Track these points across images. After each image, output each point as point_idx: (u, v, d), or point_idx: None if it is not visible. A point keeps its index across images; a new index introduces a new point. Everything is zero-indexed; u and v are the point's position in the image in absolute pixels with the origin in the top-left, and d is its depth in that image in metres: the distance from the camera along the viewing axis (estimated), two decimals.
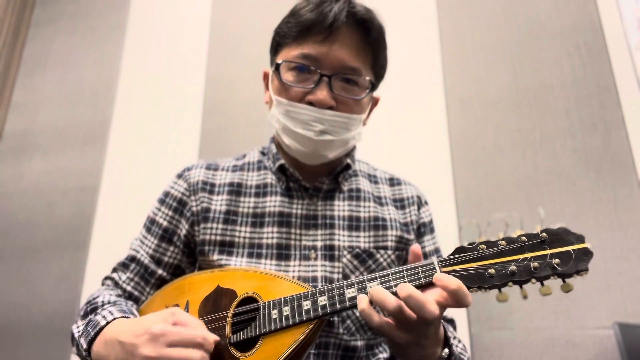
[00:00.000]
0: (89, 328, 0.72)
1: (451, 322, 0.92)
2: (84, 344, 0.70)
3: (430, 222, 0.97)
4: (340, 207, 0.89)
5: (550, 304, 1.47)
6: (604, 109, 1.61)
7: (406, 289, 0.59)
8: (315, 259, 0.83)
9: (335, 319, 0.81)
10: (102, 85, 2.25)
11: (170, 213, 0.90)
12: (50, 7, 2.53)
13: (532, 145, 1.65)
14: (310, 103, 0.82)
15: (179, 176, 0.94)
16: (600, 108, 1.62)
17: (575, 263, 0.59)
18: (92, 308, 0.77)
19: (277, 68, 0.85)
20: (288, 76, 0.84)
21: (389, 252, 0.87)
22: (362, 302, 0.61)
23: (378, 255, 0.86)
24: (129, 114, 2.17)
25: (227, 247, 0.85)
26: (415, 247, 0.69)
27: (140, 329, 0.63)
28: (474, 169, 1.68)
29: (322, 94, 0.81)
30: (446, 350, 0.68)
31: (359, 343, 0.82)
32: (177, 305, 0.78)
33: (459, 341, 0.84)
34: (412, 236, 0.92)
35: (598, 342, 1.40)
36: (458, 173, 1.69)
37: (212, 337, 0.64)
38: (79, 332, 0.74)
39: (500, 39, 1.81)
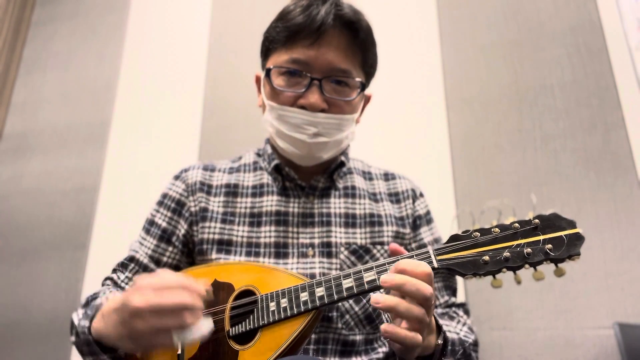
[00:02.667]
0: (88, 311, 0.73)
1: (462, 306, 0.92)
2: (85, 323, 0.71)
3: (427, 213, 0.98)
4: (336, 205, 0.90)
5: (550, 304, 1.47)
6: (604, 109, 1.61)
7: (392, 278, 0.60)
8: (313, 256, 0.84)
9: (334, 313, 0.81)
10: (102, 85, 2.25)
11: (168, 214, 0.91)
12: (50, 7, 2.53)
13: (532, 145, 1.65)
14: (303, 107, 0.83)
15: (177, 177, 0.95)
16: (600, 108, 1.62)
17: (567, 248, 0.60)
18: (93, 297, 0.79)
19: (267, 74, 0.86)
20: (279, 81, 0.85)
21: (386, 247, 0.88)
22: (389, 327, 0.60)
23: (375, 251, 0.87)
24: (129, 114, 2.17)
25: (225, 245, 0.86)
26: (392, 245, 0.70)
27: (128, 290, 0.63)
28: (474, 169, 1.68)
29: (313, 97, 0.82)
30: (441, 337, 0.69)
31: (358, 337, 0.82)
32: None
33: (464, 324, 0.85)
34: (408, 230, 0.92)
35: (598, 342, 1.40)
36: (458, 173, 1.69)
37: (201, 283, 0.63)
38: (79, 317, 0.75)
39: (500, 39, 1.81)
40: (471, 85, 1.79)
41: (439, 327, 0.71)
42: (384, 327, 0.60)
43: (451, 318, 0.86)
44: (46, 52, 2.43)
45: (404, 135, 1.80)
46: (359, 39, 0.85)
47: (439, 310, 0.89)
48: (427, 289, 0.60)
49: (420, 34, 1.92)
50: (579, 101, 1.65)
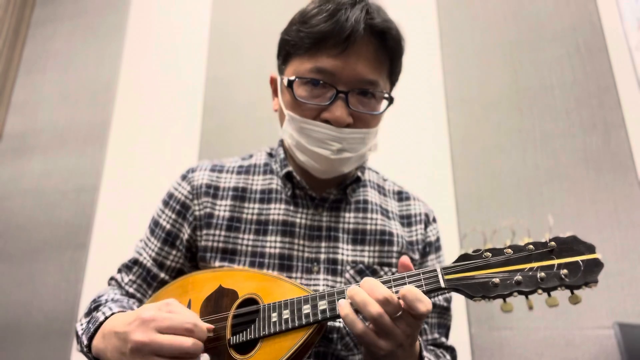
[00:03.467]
0: (90, 325, 0.72)
1: (451, 350, 0.89)
2: (84, 340, 0.71)
3: (437, 240, 0.94)
4: (346, 219, 0.87)
5: None
6: (604, 109, 1.61)
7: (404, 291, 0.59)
8: (318, 272, 0.82)
9: (335, 335, 0.80)
10: (102, 85, 2.25)
11: (173, 216, 0.88)
12: (50, 7, 2.53)
13: (532, 145, 1.65)
14: (326, 120, 0.78)
15: (183, 178, 0.92)
16: (600, 108, 1.62)
17: (584, 274, 0.56)
18: (96, 306, 0.78)
19: (289, 84, 0.80)
20: (301, 91, 0.79)
21: (394, 269, 0.85)
22: (345, 308, 0.61)
23: (382, 273, 0.84)
24: (129, 114, 2.17)
25: (229, 254, 0.83)
26: (403, 259, 0.67)
27: (132, 316, 0.63)
28: (474, 169, 1.68)
29: (339, 111, 0.77)
30: None
31: (356, 358, 0.81)
32: None
33: None
34: (417, 256, 0.89)
35: (598, 342, 1.40)
36: (458, 173, 1.69)
37: (204, 325, 0.63)
38: (82, 329, 0.75)
39: (500, 39, 1.81)
40: (471, 85, 1.79)
41: (421, 358, 0.69)
42: (340, 301, 0.62)
43: (437, 357, 0.83)
44: (46, 52, 2.43)
45: (404, 135, 1.79)
46: (387, 47, 0.80)
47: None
48: (383, 291, 0.58)
49: (420, 34, 1.92)
50: (579, 101, 1.65)
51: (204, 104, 2.07)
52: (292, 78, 0.80)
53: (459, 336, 1.48)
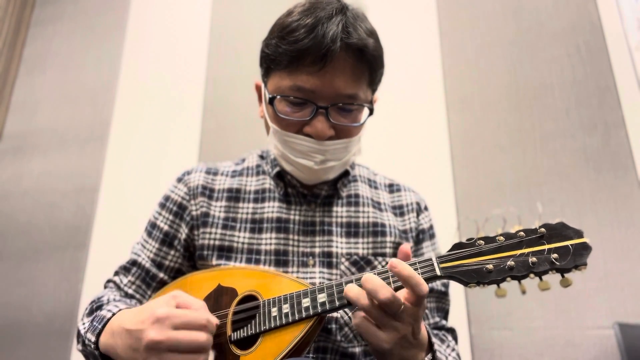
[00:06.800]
0: (95, 323, 0.72)
1: (452, 331, 0.91)
2: (92, 337, 0.71)
3: (430, 227, 0.96)
4: (339, 214, 0.89)
5: (550, 304, 1.47)
6: (604, 109, 1.61)
7: (397, 265, 0.61)
8: (313, 265, 0.83)
9: (334, 326, 0.81)
10: (102, 85, 2.25)
11: (170, 217, 0.90)
12: (50, 7, 2.53)
13: (532, 145, 1.65)
14: (309, 134, 0.80)
15: (179, 180, 0.94)
16: (600, 108, 1.62)
17: (574, 258, 0.59)
18: (98, 306, 0.78)
19: (270, 101, 0.82)
20: (282, 107, 0.81)
21: (388, 259, 0.86)
22: (353, 289, 0.62)
23: (376, 263, 0.86)
24: (129, 114, 2.17)
25: (225, 252, 0.85)
26: (404, 246, 0.68)
27: (144, 314, 0.63)
28: (474, 168, 1.68)
29: (319, 126, 0.78)
30: (429, 356, 0.68)
31: (357, 350, 0.82)
32: None
33: (453, 350, 0.83)
34: (411, 244, 0.91)
35: (598, 342, 1.40)
36: (458, 173, 1.69)
37: (215, 320, 0.65)
38: (85, 328, 0.75)
39: (500, 39, 1.81)
40: (471, 85, 1.79)
41: (430, 345, 0.70)
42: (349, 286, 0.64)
43: (441, 341, 0.84)
44: (46, 52, 2.43)
45: (404, 135, 1.80)
46: (365, 61, 0.80)
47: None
48: (386, 291, 0.59)
49: (420, 34, 1.92)
50: (579, 101, 1.65)
51: (204, 104, 2.07)
52: (273, 96, 0.81)
53: (459, 336, 1.48)
